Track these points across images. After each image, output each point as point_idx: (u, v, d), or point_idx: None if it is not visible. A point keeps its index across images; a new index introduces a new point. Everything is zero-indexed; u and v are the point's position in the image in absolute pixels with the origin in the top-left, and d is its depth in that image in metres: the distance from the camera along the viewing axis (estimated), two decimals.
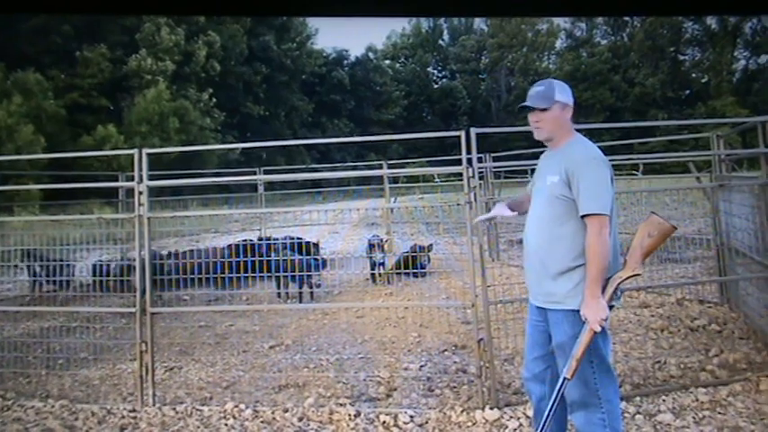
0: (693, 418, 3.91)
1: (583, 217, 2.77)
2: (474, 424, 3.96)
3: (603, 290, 2.73)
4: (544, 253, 2.91)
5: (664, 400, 4.16)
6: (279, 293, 8.00)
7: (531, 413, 3.98)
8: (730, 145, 8.40)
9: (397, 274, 8.46)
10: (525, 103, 2.98)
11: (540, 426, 2.82)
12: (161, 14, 35.00)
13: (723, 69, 51.52)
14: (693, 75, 55.88)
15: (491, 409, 4.07)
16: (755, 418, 3.87)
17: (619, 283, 2.76)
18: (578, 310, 2.77)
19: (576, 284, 2.81)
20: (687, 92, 54.99)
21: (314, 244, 8.94)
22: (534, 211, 3.03)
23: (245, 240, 9.24)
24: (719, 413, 3.96)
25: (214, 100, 40.41)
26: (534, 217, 3.01)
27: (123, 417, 4.36)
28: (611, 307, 2.76)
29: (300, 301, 7.79)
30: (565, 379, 2.76)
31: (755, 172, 5.46)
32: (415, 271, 8.76)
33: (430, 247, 9.49)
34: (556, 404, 2.79)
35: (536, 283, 2.99)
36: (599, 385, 2.83)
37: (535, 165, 3.26)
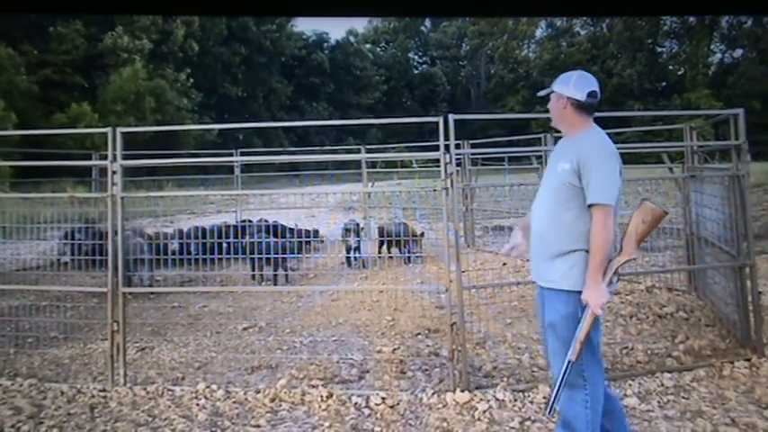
0: (658, 402, 4.01)
1: (590, 206, 2.87)
2: (444, 406, 4.02)
3: (604, 275, 2.84)
4: (546, 235, 3.03)
5: (630, 385, 4.25)
6: (253, 276, 7.97)
7: (500, 396, 4.08)
8: (703, 137, 8.53)
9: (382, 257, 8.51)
10: (539, 93, 3.26)
11: (549, 405, 2.93)
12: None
13: (699, 62, 52.10)
14: (670, 67, 56.46)
15: (462, 391, 4.12)
16: (717, 402, 3.98)
17: (617, 268, 2.88)
18: (571, 291, 2.91)
19: (571, 267, 2.93)
20: (663, 84, 55.58)
21: (290, 229, 8.92)
22: (541, 196, 3.14)
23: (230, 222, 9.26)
24: (683, 398, 4.06)
25: (191, 80, 39.85)
26: (540, 200, 3.13)
27: (93, 396, 4.34)
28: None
29: (276, 284, 7.76)
30: (569, 362, 2.86)
31: (726, 164, 5.55)
32: (409, 254, 8.81)
33: (422, 235, 9.35)
34: (562, 386, 2.88)
35: (536, 263, 3.12)
36: (585, 367, 2.93)
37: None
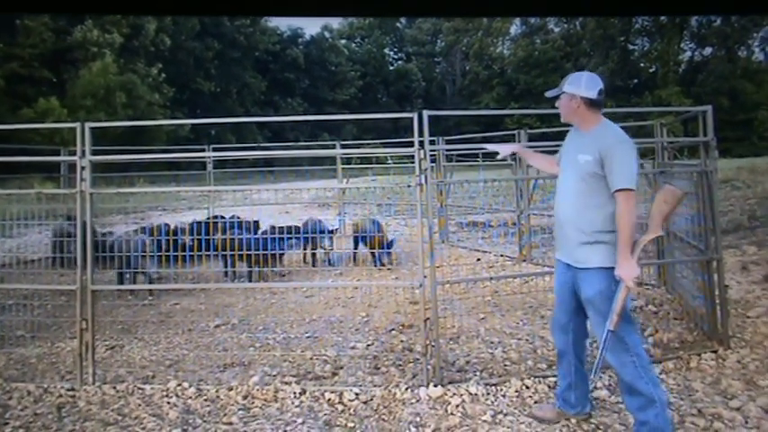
0: None
1: (614, 192, 3.18)
2: (418, 401, 4.02)
3: (632, 252, 3.15)
4: (576, 221, 3.35)
5: (600, 377, 4.29)
6: (226, 272, 7.90)
7: (473, 390, 4.09)
8: (673, 133, 8.64)
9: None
10: (546, 94, 3.57)
11: (594, 369, 3.27)
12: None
13: (670, 60, 52.96)
14: (642, 64, 57.25)
15: (435, 386, 4.13)
16: (685, 394, 4.05)
17: (643, 245, 3.23)
18: (604, 268, 3.24)
19: (603, 248, 3.26)
20: (635, 81, 56.33)
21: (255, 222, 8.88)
22: (566, 185, 3.46)
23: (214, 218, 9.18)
24: None
25: (163, 75, 39.24)
26: (566, 190, 3.44)
27: (61, 396, 4.26)
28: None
29: (250, 280, 7.69)
30: (609, 331, 3.17)
31: (695, 160, 5.65)
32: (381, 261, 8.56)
33: (391, 244, 8.74)
34: (603, 352, 3.21)
35: (567, 247, 3.45)
36: (624, 334, 3.25)
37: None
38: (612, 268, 3.21)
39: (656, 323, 5.48)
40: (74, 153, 4.63)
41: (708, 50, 54.74)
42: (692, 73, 53.72)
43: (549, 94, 3.56)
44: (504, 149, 4.08)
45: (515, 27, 61.86)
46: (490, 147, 4.22)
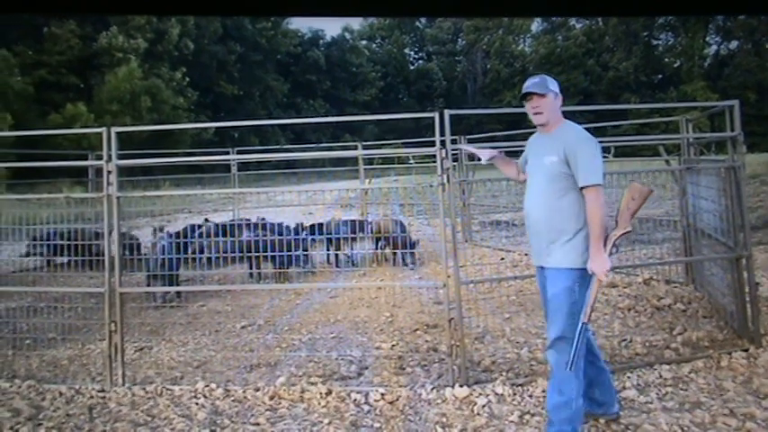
0: (657, 394, 4.01)
1: (582, 188, 3.22)
2: (444, 401, 4.02)
3: (604, 246, 3.20)
4: (546, 222, 3.37)
5: (629, 377, 4.25)
6: (251, 274, 7.96)
7: (499, 390, 4.08)
8: (699, 129, 8.53)
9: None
10: (528, 90, 3.41)
11: (570, 362, 3.20)
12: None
13: (695, 54, 52.13)
14: (666, 59, 56.46)
15: (461, 386, 4.12)
16: (716, 393, 3.98)
17: (615, 240, 3.24)
18: (569, 269, 3.27)
19: (570, 248, 3.29)
20: (659, 76, 55.61)
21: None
22: (535, 189, 3.47)
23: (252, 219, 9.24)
24: (682, 389, 4.07)
25: (187, 79, 39.73)
26: (535, 193, 3.46)
27: (92, 397, 4.33)
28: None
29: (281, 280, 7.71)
30: (583, 324, 3.19)
31: (723, 155, 5.55)
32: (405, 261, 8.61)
33: (414, 244, 8.76)
34: (578, 344, 3.18)
35: (539, 249, 3.46)
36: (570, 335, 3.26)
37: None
38: (577, 269, 3.26)
39: (684, 321, 5.40)
40: (101, 157, 4.71)
41: (734, 44, 53.74)
42: (717, 67, 52.79)
43: (537, 89, 3.39)
44: (484, 155, 3.96)
45: (537, 24, 61.54)
46: (467, 148, 4.24)
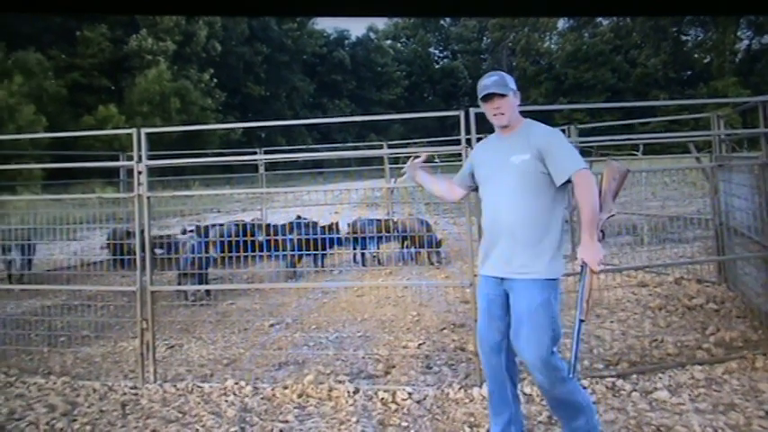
0: (689, 395, 3.94)
1: (569, 178, 2.96)
2: (471, 401, 4.01)
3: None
4: (524, 224, 3.06)
5: (660, 378, 4.19)
6: (294, 272, 8.13)
7: (528, 390, 4.04)
8: (731, 125, 8.37)
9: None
10: (490, 90, 3.14)
11: (570, 367, 2.94)
12: (160, 14, 34.69)
13: (725, 49, 51.00)
14: (696, 55, 55.37)
15: None
16: (750, 395, 3.90)
17: (600, 225, 2.98)
18: (546, 279, 3.01)
19: (549, 257, 3.03)
20: (689, 72, 54.55)
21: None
22: (501, 192, 3.15)
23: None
24: (715, 390, 3.99)
25: (215, 80, 40.29)
26: (504, 197, 3.14)
27: (125, 393, 4.41)
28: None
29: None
30: (581, 321, 2.95)
31: (756, 152, 5.44)
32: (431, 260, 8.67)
33: (439, 243, 8.81)
34: (578, 345, 2.95)
35: (502, 258, 3.14)
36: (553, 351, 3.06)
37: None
38: (553, 279, 3.03)
39: (717, 321, 5.31)
40: (131, 158, 4.80)
41: (766, 39, 52.42)
42: (749, 62, 51.54)
43: (499, 89, 3.15)
44: (410, 174, 3.67)
45: (563, 21, 60.79)
46: (406, 170, 3.75)
